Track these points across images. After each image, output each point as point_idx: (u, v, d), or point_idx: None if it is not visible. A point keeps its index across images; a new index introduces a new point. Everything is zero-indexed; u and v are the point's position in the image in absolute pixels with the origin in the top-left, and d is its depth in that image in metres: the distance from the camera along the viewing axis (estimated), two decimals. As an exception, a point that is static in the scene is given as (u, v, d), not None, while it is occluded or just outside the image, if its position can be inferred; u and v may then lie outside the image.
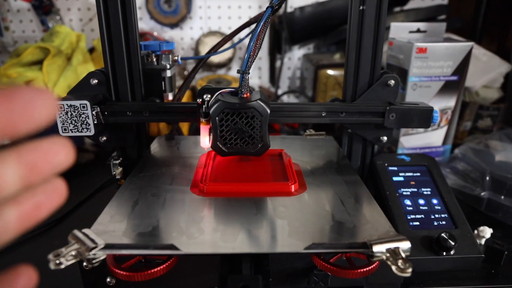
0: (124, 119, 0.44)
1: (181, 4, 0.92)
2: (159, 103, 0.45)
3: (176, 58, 0.49)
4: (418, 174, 0.47)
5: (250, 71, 0.99)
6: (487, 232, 0.46)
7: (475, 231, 0.46)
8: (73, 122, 0.43)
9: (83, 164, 0.72)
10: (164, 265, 0.30)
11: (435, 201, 0.45)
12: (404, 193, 0.45)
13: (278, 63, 0.95)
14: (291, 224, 0.32)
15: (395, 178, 0.46)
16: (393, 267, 0.26)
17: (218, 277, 0.29)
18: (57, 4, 0.93)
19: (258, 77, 0.98)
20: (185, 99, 0.84)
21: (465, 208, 0.55)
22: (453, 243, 0.39)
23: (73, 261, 0.27)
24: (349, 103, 0.45)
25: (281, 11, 0.85)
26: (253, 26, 0.49)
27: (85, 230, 0.29)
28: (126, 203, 0.36)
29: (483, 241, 0.46)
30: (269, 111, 0.38)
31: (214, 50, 0.52)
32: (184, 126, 0.75)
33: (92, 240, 0.28)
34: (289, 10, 0.87)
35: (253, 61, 0.39)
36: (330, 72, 0.78)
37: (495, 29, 0.95)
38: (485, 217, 0.53)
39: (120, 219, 0.33)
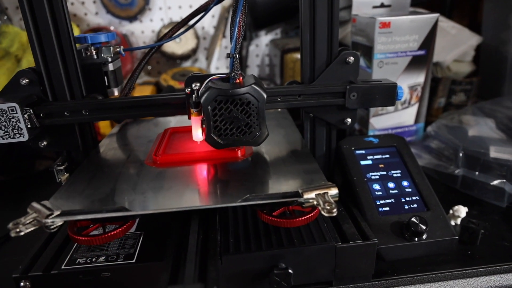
0: (62, 120, 0.40)
1: (138, -5, 0.87)
2: (99, 100, 0.41)
3: (118, 50, 0.44)
4: (387, 156, 0.45)
5: (215, 61, 0.94)
6: (462, 211, 0.44)
7: (450, 211, 0.44)
8: (3, 127, 0.38)
9: (41, 171, 0.67)
10: (120, 229, 0.32)
11: (405, 183, 0.42)
12: (373, 177, 0.42)
13: (245, 52, 0.91)
14: (233, 183, 0.35)
15: (362, 162, 0.43)
16: (322, 211, 0.29)
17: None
18: (4, 2, 0.87)
19: (226, 66, 0.94)
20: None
21: (440, 187, 0.53)
22: (424, 227, 0.36)
23: (32, 228, 0.29)
24: (307, 84, 0.41)
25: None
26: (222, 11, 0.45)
27: (43, 202, 0.31)
28: (83, 177, 0.37)
29: (459, 221, 0.44)
30: (265, 96, 0.35)
31: (166, 37, 0.48)
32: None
33: (49, 209, 0.30)
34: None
35: (241, 42, 0.36)
36: (298, 56, 0.74)
37: (465, 1, 0.93)
38: (461, 195, 0.51)
39: (77, 191, 0.35)
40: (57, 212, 0.30)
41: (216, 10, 0.90)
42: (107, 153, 0.44)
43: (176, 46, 0.87)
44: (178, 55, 0.87)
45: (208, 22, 0.91)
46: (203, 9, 0.48)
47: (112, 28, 0.87)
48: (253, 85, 0.34)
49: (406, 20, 0.53)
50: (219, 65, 0.92)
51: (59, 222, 0.30)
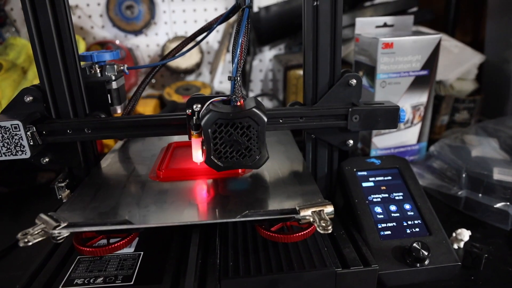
0: (64, 138, 0.40)
1: (144, 10, 0.88)
2: (101, 118, 0.41)
3: (122, 68, 0.45)
4: (389, 177, 0.44)
5: (219, 75, 0.95)
6: (465, 235, 0.43)
7: (453, 234, 0.44)
8: (6, 144, 0.38)
9: (43, 184, 0.67)
10: (124, 241, 0.33)
11: (407, 207, 0.42)
12: (375, 199, 0.42)
13: (248, 66, 0.91)
14: (233, 199, 0.36)
15: (364, 184, 0.43)
16: (317, 228, 0.30)
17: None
18: (13, 15, 0.88)
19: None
20: (151, 109, 0.80)
21: (443, 208, 0.53)
22: (426, 253, 0.36)
23: (40, 239, 0.30)
24: (309, 106, 0.41)
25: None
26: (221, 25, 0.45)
27: (50, 213, 0.33)
28: (88, 191, 0.39)
29: (461, 245, 0.43)
30: (266, 119, 0.35)
31: (170, 55, 0.49)
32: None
33: (56, 220, 0.32)
34: (254, 10, 0.84)
35: (243, 64, 0.36)
36: (301, 72, 0.74)
37: (468, 20, 0.93)
38: (464, 217, 0.51)
39: (83, 203, 0.36)
40: (64, 224, 0.31)
41: (220, 25, 0.91)
42: (112, 167, 0.45)
43: (180, 60, 0.88)
44: (182, 69, 0.88)
45: (213, 37, 0.91)
46: (207, 29, 0.49)
47: (117, 41, 0.88)
48: (253, 109, 0.34)
49: (409, 40, 0.54)
50: (222, 79, 0.92)
51: (65, 233, 0.31)
